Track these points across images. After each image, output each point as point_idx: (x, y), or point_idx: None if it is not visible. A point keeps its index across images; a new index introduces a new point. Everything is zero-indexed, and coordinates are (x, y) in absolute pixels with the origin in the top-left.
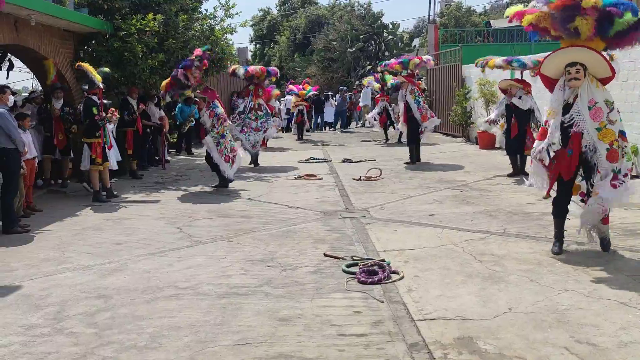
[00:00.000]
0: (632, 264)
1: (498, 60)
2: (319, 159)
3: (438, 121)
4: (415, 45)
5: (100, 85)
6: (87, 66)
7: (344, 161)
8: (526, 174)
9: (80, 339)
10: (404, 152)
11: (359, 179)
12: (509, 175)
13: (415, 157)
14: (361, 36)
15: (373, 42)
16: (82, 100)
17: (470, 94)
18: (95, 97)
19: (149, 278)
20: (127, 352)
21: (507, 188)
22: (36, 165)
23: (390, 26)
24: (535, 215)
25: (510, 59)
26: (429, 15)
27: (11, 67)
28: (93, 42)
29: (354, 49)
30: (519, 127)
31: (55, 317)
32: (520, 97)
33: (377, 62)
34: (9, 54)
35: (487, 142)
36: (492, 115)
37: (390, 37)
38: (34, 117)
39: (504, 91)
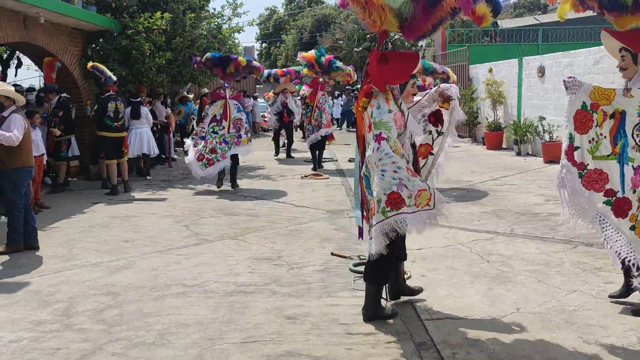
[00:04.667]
0: None
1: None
2: (325, 159)
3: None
4: (422, 45)
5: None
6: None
7: (350, 160)
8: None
9: (89, 335)
10: None
11: None
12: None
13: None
14: (368, 35)
15: None
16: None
17: (477, 94)
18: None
19: (157, 275)
20: (136, 349)
21: (515, 188)
22: (44, 162)
23: None
24: (542, 215)
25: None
26: None
27: (19, 64)
28: (101, 40)
29: (360, 48)
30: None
31: (64, 313)
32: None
33: None
34: (17, 52)
35: (494, 142)
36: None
37: (396, 36)
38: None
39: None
